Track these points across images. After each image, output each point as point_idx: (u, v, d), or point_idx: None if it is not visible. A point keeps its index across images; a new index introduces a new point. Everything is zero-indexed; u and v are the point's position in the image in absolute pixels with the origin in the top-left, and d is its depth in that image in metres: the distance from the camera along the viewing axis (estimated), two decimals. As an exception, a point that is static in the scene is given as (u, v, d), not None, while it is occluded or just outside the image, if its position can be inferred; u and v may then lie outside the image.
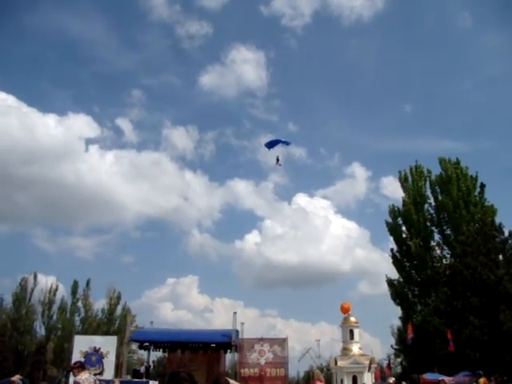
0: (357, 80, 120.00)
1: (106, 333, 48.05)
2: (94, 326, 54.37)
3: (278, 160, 23.89)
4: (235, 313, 34.72)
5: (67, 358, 44.21)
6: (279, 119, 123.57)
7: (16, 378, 9.50)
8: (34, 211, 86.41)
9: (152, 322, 40.21)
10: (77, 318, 57.24)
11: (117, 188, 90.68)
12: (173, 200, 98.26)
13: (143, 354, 45.50)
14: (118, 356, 35.30)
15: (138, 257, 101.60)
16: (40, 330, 57.20)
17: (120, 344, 37.79)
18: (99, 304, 59.11)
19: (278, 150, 24.14)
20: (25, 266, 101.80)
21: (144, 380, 27.97)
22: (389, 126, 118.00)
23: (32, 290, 57.15)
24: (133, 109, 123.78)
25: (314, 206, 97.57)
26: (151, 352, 38.31)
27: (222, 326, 36.13)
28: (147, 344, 37.00)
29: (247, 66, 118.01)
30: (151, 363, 40.24)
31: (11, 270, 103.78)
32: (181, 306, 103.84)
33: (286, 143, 23.72)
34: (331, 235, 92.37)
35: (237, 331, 33.91)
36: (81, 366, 8.25)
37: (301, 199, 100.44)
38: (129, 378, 30.81)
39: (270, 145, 23.38)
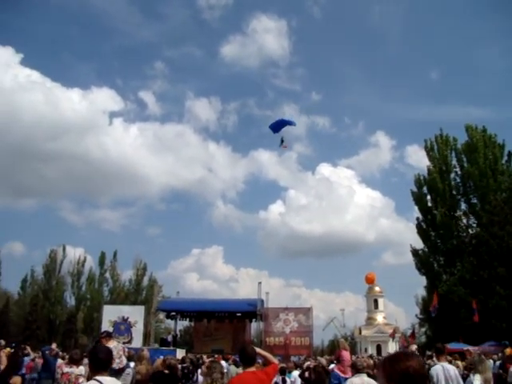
0: (381, 46, 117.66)
1: (134, 303, 48.96)
2: (121, 296, 55.54)
3: (282, 142, 22.35)
4: (260, 283, 35.21)
5: (97, 327, 45.32)
6: (302, 88, 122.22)
7: (54, 346, 9.80)
8: (61, 185, 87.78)
9: (178, 292, 41.04)
10: (105, 289, 58.78)
11: (141, 161, 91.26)
12: (197, 171, 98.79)
13: (170, 323, 46.65)
14: (145, 325, 36.08)
15: (164, 228, 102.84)
16: (70, 300, 58.92)
17: (147, 313, 38.61)
18: (126, 275, 60.44)
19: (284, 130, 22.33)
20: (53, 238, 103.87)
21: (171, 348, 28.49)
22: (414, 93, 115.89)
23: (61, 262, 58.61)
24: (155, 81, 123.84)
25: (338, 175, 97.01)
26: (178, 321, 39.21)
27: (247, 296, 36.59)
28: (174, 313, 37.77)
29: (269, 36, 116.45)
30: (178, 332, 41.18)
31: (41, 243, 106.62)
32: (206, 276, 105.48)
33: (291, 123, 22.24)
34: (355, 205, 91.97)
35: (262, 301, 34.30)
36: (108, 335, 8.40)
37: (324, 169, 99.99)
38: (156, 346, 31.41)
39: (275, 127, 21.86)
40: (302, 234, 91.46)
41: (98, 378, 3.61)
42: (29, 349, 12.20)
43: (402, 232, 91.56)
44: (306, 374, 11.99)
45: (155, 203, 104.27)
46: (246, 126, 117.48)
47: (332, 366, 12.08)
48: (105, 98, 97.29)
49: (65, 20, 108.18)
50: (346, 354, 11.20)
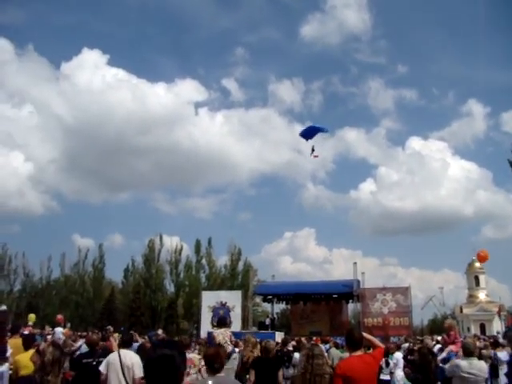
0: (467, 9, 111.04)
1: (230, 288, 50.12)
2: (218, 282, 57.10)
3: (313, 150, 21.28)
4: (355, 263, 34.86)
5: (196, 312, 46.97)
6: (387, 61, 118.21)
7: (160, 332, 10.30)
8: (153, 177, 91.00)
9: (273, 276, 41.63)
10: (202, 275, 60.53)
11: (229, 148, 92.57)
12: (285, 154, 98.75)
13: (267, 306, 47.42)
14: (243, 309, 36.95)
15: (255, 213, 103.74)
16: (170, 287, 61.33)
17: (244, 298, 39.45)
18: (221, 261, 61.68)
19: (316, 139, 21.23)
20: (150, 228, 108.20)
21: (270, 331, 28.90)
22: (505, 55, 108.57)
23: (159, 251, 61.04)
24: (237, 68, 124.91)
25: (430, 149, 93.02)
26: (274, 304, 39.79)
27: (342, 277, 36.33)
28: (270, 297, 38.38)
29: (348, 11, 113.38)
30: (275, 315, 41.74)
31: (138, 234, 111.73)
32: (300, 258, 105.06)
33: (324, 131, 21.11)
34: (450, 178, 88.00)
35: (358, 281, 33.98)
36: (223, 323, 8.79)
37: (415, 143, 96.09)
38: (255, 329, 31.97)
39: (307, 134, 20.81)
40: (395, 211, 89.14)
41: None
42: (136, 336, 12.77)
43: (503, 204, 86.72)
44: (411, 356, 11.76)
45: (245, 189, 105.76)
46: (331, 105, 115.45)
47: (437, 346, 11.77)
48: (189, 90, 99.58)
49: (144, 19, 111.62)
50: (456, 335, 10.87)
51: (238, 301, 35.55)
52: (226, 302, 35.03)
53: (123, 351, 6.63)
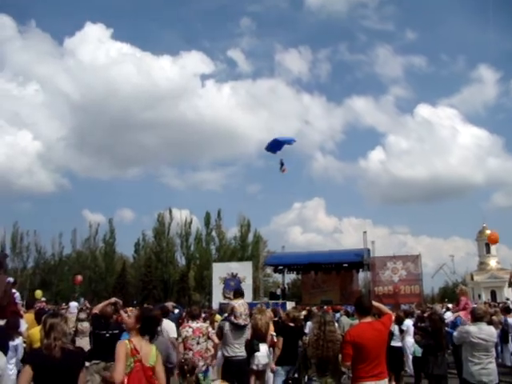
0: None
1: (241, 259, 50.48)
2: (228, 254, 57.51)
3: (282, 165, 20.30)
4: (365, 232, 34.82)
5: (208, 284, 47.51)
6: (395, 27, 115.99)
7: (169, 304, 10.36)
8: (161, 152, 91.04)
9: (283, 247, 41.80)
10: (212, 247, 61.13)
11: (237, 119, 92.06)
12: (293, 125, 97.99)
13: (278, 277, 47.73)
14: (254, 280, 37.27)
15: (264, 185, 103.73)
16: (181, 260, 62.09)
17: (255, 269, 39.77)
18: (231, 232, 62.23)
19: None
20: (159, 203, 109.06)
21: (281, 301, 29.16)
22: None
23: (169, 225, 61.66)
24: (243, 38, 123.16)
25: (439, 116, 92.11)
26: (285, 275, 40.08)
27: (353, 246, 36.37)
28: (281, 267, 38.62)
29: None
30: (286, 285, 42.06)
31: (148, 208, 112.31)
32: (309, 229, 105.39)
33: (289, 142, 20.01)
34: (460, 146, 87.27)
35: (368, 250, 34.06)
36: (240, 294, 8.87)
37: (424, 110, 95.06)
38: (266, 300, 32.28)
39: (274, 147, 19.88)
40: (404, 179, 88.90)
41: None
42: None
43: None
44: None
45: (253, 161, 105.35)
46: (338, 74, 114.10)
47: (448, 313, 11.84)
48: (194, 62, 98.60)
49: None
50: (468, 301, 10.93)
51: (249, 272, 35.86)
52: (236, 274, 35.36)
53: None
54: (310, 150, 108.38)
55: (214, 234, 60.94)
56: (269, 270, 46.94)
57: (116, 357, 4.40)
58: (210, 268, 41.79)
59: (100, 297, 47.08)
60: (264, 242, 55.40)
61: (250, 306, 9.27)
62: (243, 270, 35.91)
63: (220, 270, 36.79)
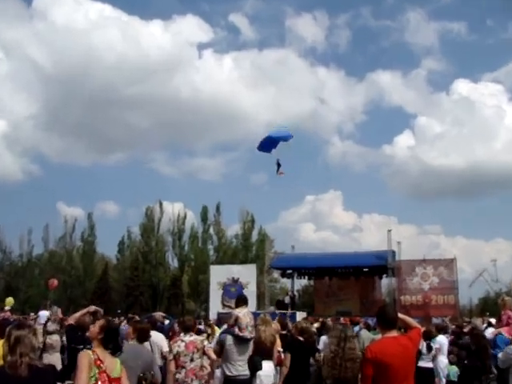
0: None
1: (243, 261, 50.62)
2: (229, 255, 57.76)
3: (278, 165, 20.00)
4: (389, 231, 34.77)
5: (204, 290, 47.58)
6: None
7: (158, 314, 10.34)
8: (150, 134, 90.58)
9: (293, 247, 41.75)
10: (210, 247, 61.39)
11: (240, 97, 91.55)
12: (306, 104, 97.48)
13: (286, 282, 47.80)
14: (258, 286, 37.38)
15: (271, 174, 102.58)
16: (173, 262, 62.39)
17: (260, 272, 39.87)
18: (232, 230, 62.39)
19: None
20: (148, 194, 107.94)
21: (290, 311, 29.15)
22: None
23: (159, 220, 61.92)
24: (247, 0, 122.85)
25: (481, 93, 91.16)
26: (295, 280, 40.11)
27: (375, 247, 36.45)
28: (290, 271, 38.70)
29: None
30: (296, 292, 42.13)
31: (134, 200, 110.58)
32: (324, 226, 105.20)
33: (286, 139, 19.24)
34: (507, 128, 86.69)
35: (393, 252, 34.05)
36: (243, 302, 8.73)
37: (463, 86, 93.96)
38: (272, 309, 32.26)
39: (266, 146, 19.53)
40: (437, 169, 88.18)
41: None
42: (136, 318, 12.96)
43: None
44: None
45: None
46: (360, 43, 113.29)
47: (490, 329, 11.72)
48: (190, 28, 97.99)
49: None
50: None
51: (253, 276, 35.99)
52: (238, 278, 35.47)
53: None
54: (325, 133, 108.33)
55: (211, 231, 61.23)
56: (276, 275, 47.10)
57: (78, 367, 4.49)
58: (208, 271, 41.97)
59: (77, 305, 47.29)
60: (270, 241, 55.42)
61: (254, 316, 9.18)
62: (246, 273, 36.03)
63: (219, 274, 36.93)
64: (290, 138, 19.38)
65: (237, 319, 8.08)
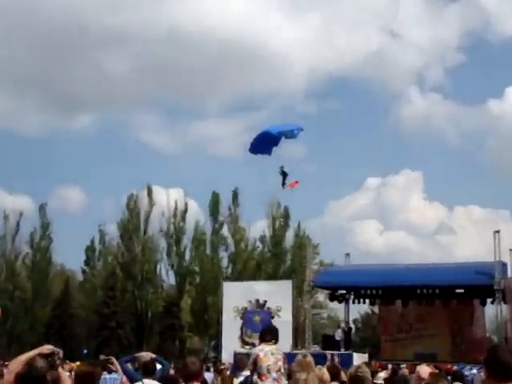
0: None
1: (272, 276, 50.68)
2: (250, 267, 57.97)
3: (284, 175, 20.40)
4: (497, 232, 34.34)
5: (214, 319, 47.76)
6: None
7: (146, 355, 10.13)
8: (134, 86, 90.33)
9: (348, 255, 41.69)
10: (223, 254, 61.74)
11: (266, 29, 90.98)
12: (369, 39, 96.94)
13: (337, 308, 47.74)
14: (295, 313, 37.33)
15: (313, 146, 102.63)
16: (167, 276, 62.66)
17: (298, 294, 39.87)
18: (256, 229, 62.51)
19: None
20: (130, 175, 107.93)
21: (343, 352, 29.12)
22: None
23: (148, 214, 62.10)
24: None
25: None
26: (350, 305, 40.02)
27: (474, 258, 36.14)
28: (343, 292, 38.61)
29: None
30: (352, 324, 42.03)
31: (110, 185, 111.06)
32: (394, 224, 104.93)
33: (292, 133, 19.95)
34: None
35: (503, 265, 33.72)
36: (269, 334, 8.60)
37: None
38: (317, 348, 32.33)
39: (264, 145, 19.87)
40: None
41: None
42: (115, 362, 12.76)
43: None
44: None
45: (296, 102, 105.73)
46: None
47: None
48: None
49: None
50: None
51: (287, 298, 35.95)
52: (265, 302, 35.44)
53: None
54: (397, 82, 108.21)
55: (225, 230, 61.36)
56: (321, 297, 47.01)
57: None
58: (219, 291, 41.97)
59: (24, 343, 47.77)
60: (314, 246, 55.34)
61: (288, 358, 8.97)
62: (276, 295, 36.01)
63: (236, 295, 36.97)
64: (296, 132, 20.17)
65: (256, 360, 7.90)
